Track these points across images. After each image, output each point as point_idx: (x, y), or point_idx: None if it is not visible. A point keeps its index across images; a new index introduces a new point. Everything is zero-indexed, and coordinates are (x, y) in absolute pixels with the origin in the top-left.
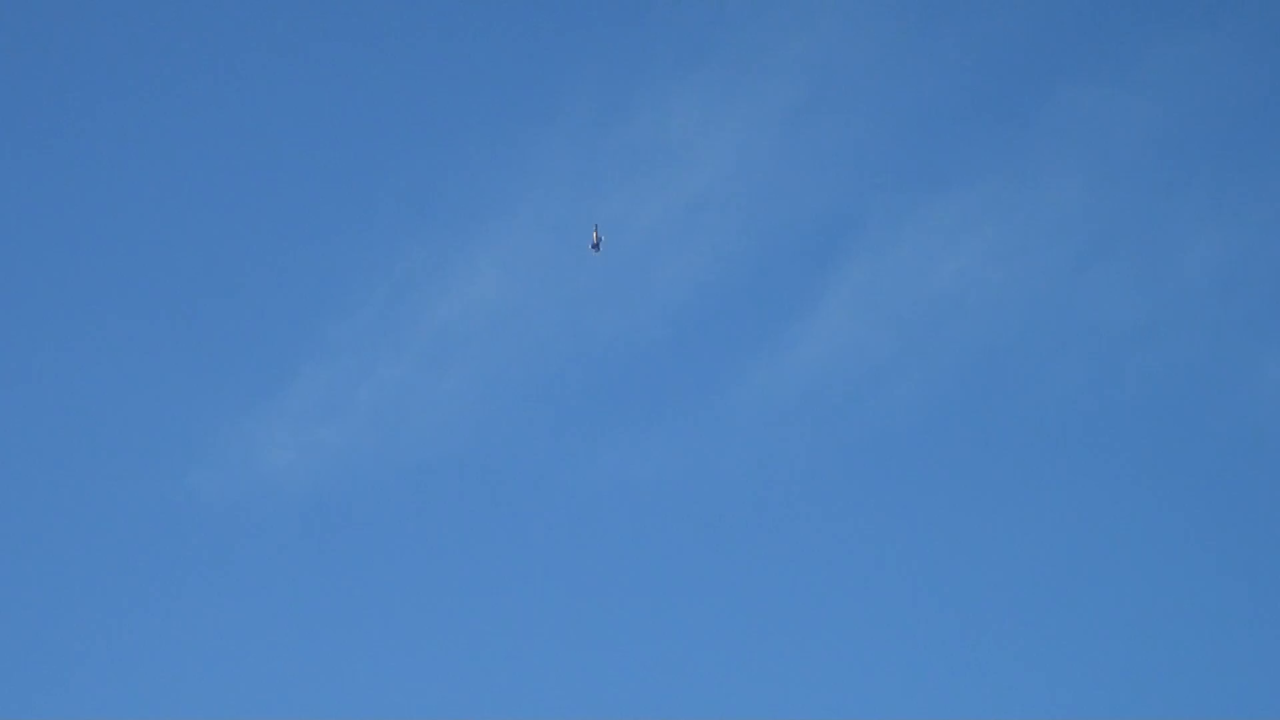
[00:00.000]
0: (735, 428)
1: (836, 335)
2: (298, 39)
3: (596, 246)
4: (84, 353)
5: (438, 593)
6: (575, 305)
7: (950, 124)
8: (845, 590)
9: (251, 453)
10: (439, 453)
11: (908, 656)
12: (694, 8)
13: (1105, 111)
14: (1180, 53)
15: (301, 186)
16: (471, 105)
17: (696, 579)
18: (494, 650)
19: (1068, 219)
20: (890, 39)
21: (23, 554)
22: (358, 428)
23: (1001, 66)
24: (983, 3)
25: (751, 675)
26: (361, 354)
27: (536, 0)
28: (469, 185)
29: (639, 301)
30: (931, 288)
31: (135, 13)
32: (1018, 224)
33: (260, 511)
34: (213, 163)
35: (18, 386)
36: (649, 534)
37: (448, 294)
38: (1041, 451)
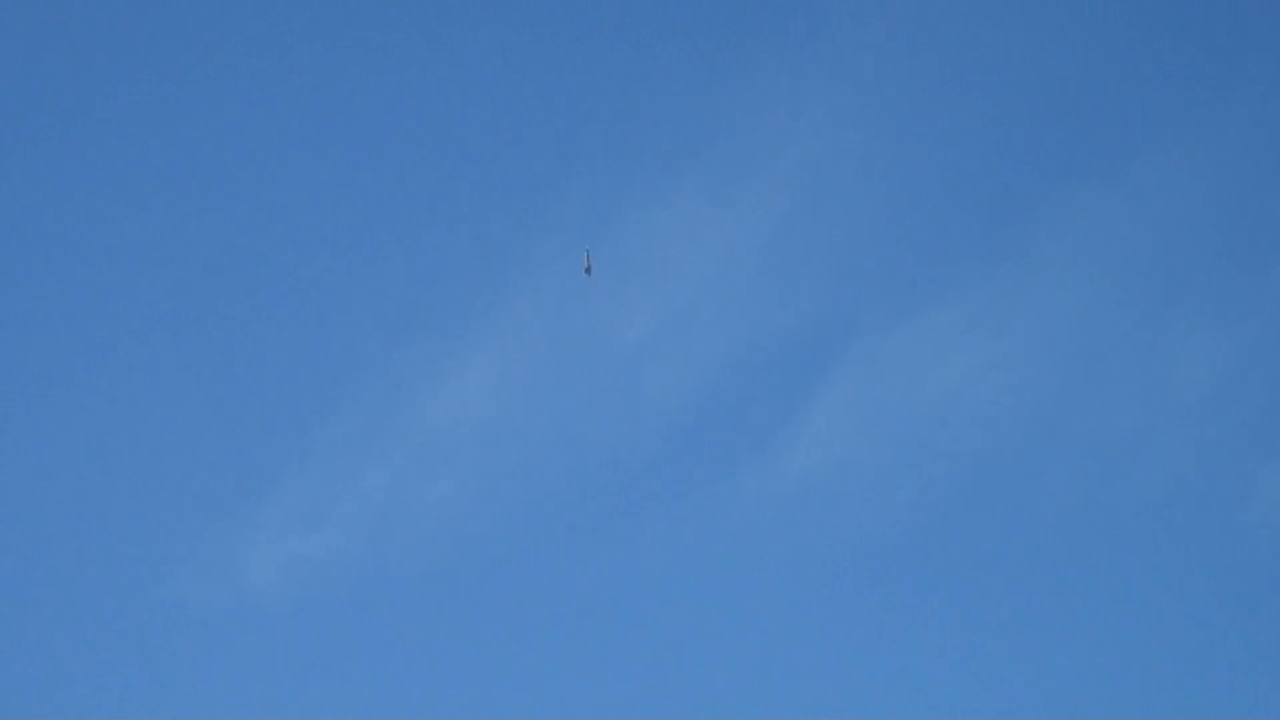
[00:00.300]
0: (726, 533)
1: (829, 442)
2: (289, 131)
3: (588, 271)
4: (61, 454)
5: (428, 704)
6: (565, 412)
7: (942, 230)
8: (838, 694)
9: (233, 562)
10: (425, 561)
11: None
12: (683, 114)
13: (1100, 216)
14: (1176, 156)
15: (288, 283)
16: (461, 207)
17: (687, 682)
18: None
19: (1063, 326)
20: (880, 144)
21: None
22: (342, 536)
23: (995, 171)
24: (976, 108)
25: None
26: (346, 459)
27: (527, 107)
28: (458, 288)
29: (629, 409)
30: (925, 395)
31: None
32: (1012, 331)
33: (243, 622)
34: (197, 258)
35: None
36: (638, 640)
37: (435, 398)
38: (1037, 559)
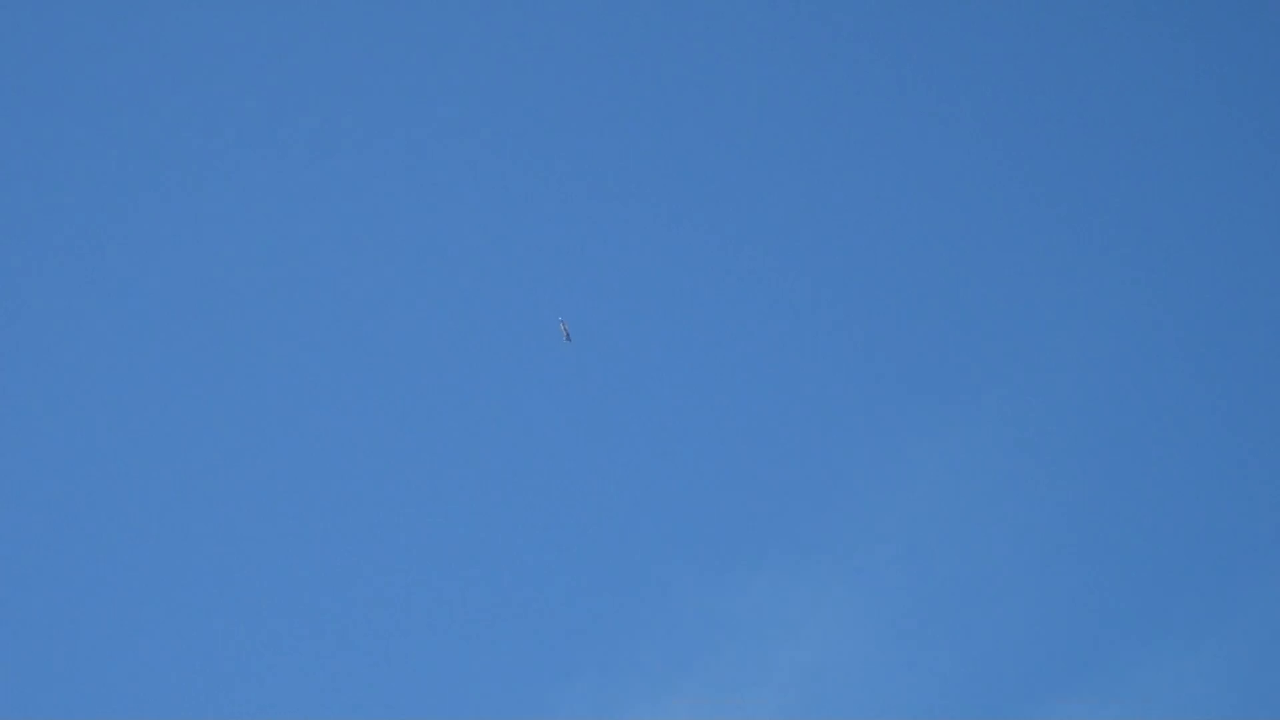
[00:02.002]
0: None
1: None
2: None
3: (567, 337)
4: None
5: None
6: None
7: None
8: None
9: None
10: None
11: None
12: (680, 624)
13: None
14: (1172, 671)
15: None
16: None
17: None
18: None
19: None
20: (881, 643)
21: None
22: None
23: (992, 682)
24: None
25: None
26: None
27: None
28: None
29: None
30: None
31: None
32: None
33: None
34: None
35: None
36: None
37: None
38: None
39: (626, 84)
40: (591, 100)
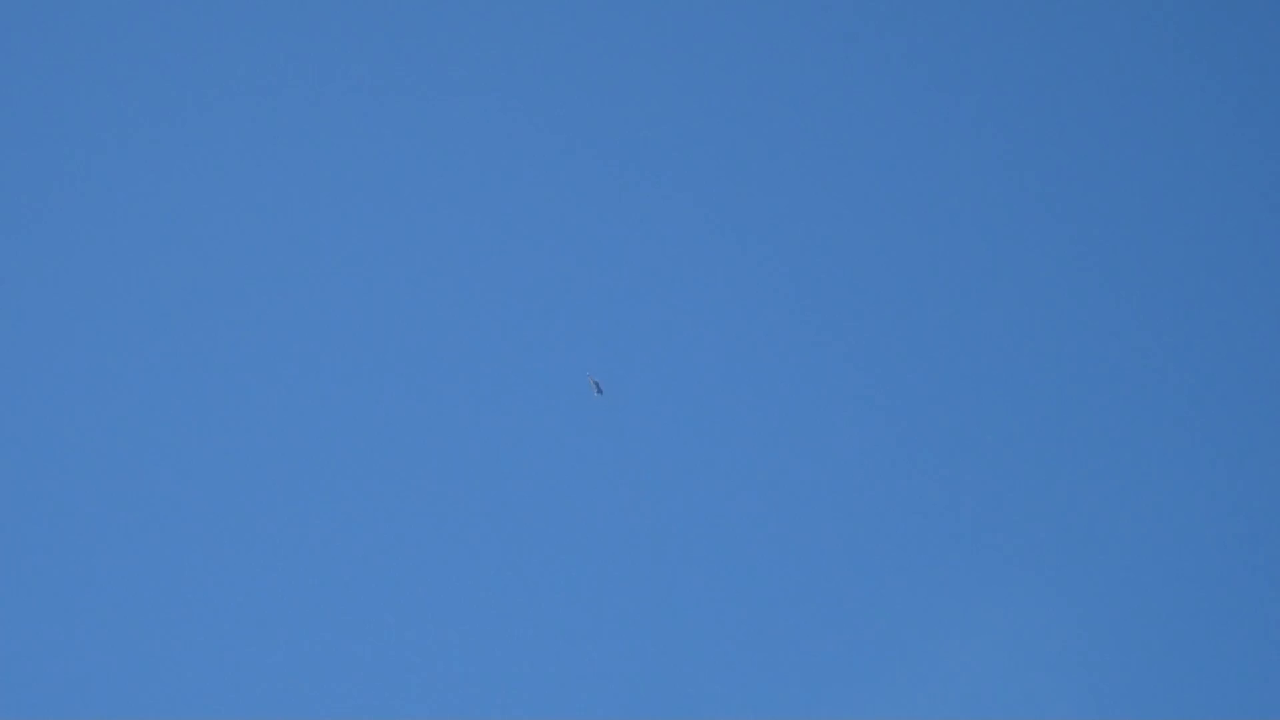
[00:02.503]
0: None
1: None
2: None
3: (598, 389)
4: None
5: None
6: None
7: None
8: None
9: None
10: None
11: None
12: None
13: None
14: None
15: None
16: None
17: None
18: None
19: None
20: None
21: None
22: None
23: None
24: None
25: None
26: None
27: None
28: None
29: None
30: None
31: None
32: None
33: None
34: None
35: None
36: None
37: None
38: None
39: (629, 85)
40: (596, 101)
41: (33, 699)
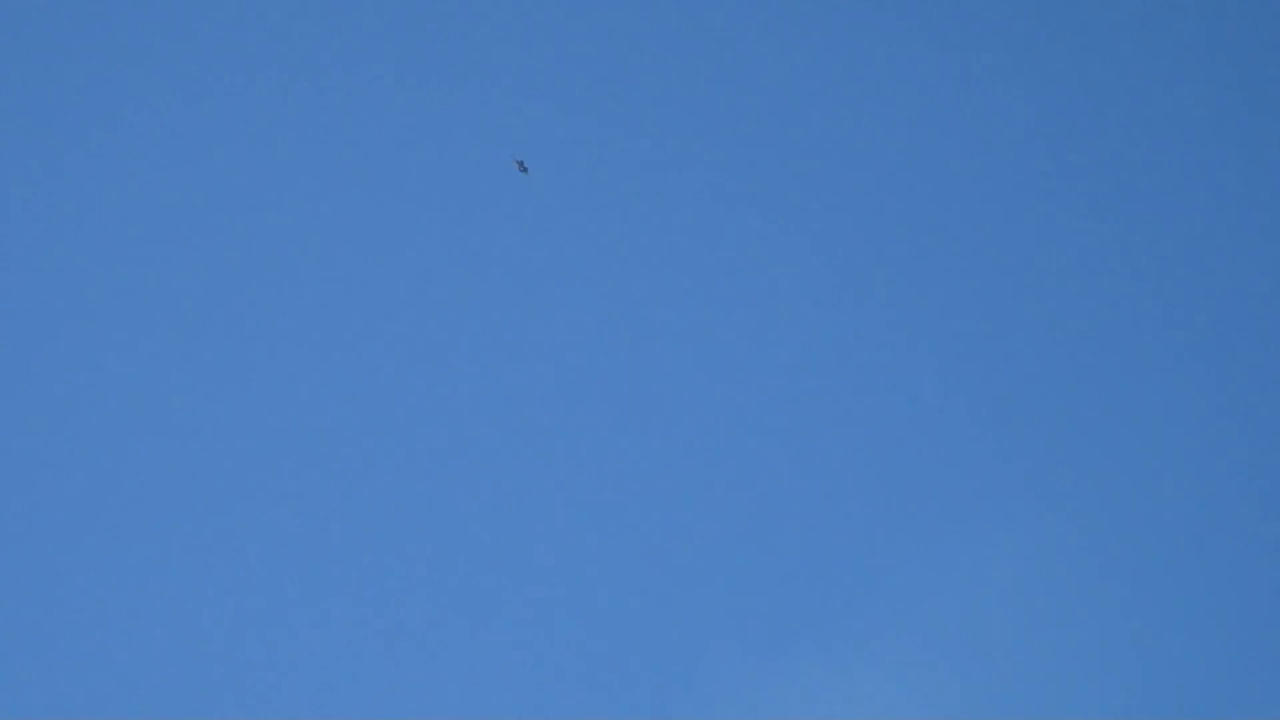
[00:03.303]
0: None
1: None
2: None
3: (523, 168)
4: None
5: None
6: None
7: None
8: None
9: None
10: None
11: None
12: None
13: None
14: None
15: None
16: None
17: None
18: None
19: None
20: None
21: None
22: None
23: None
24: None
25: None
26: None
27: None
28: None
29: None
30: None
31: None
32: None
33: None
34: None
35: None
36: None
37: None
38: None
39: (629, 85)
40: (596, 101)
41: (33, 699)
